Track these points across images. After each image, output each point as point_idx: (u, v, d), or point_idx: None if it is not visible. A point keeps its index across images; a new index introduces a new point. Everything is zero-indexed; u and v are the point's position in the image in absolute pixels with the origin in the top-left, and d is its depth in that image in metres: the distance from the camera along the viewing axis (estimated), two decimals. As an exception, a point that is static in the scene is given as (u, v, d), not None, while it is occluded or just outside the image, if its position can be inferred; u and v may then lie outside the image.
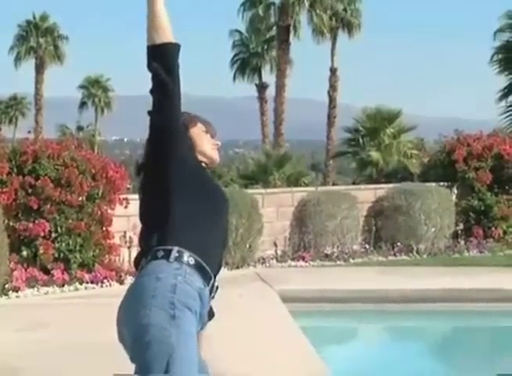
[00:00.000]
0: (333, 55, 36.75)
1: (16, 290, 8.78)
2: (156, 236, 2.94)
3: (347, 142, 24.91)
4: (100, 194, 9.85)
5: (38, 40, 48.95)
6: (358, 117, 24.11)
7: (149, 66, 2.99)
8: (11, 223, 9.23)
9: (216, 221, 3.09)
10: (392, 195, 12.53)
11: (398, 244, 12.06)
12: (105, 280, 9.43)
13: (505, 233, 12.97)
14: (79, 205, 9.65)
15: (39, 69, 48.19)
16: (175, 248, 2.89)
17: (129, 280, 8.69)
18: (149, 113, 3.03)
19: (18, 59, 49.25)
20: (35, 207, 9.38)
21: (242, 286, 9.13)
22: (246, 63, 42.42)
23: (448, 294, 8.81)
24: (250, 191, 12.70)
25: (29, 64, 48.97)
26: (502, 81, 20.94)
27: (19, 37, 49.70)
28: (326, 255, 11.57)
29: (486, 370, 6.98)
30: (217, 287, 3.05)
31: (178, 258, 2.88)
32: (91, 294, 9.02)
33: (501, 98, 20.78)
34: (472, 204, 12.98)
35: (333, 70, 36.43)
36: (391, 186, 13.39)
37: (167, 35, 2.97)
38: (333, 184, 27.07)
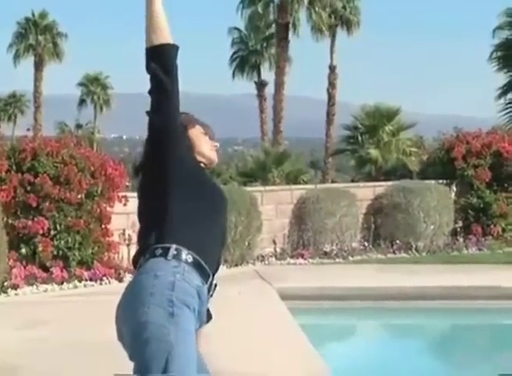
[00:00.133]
0: (332, 52, 36.76)
1: (15, 287, 8.78)
2: (154, 234, 2.95)
3: (346, 139, 24.93)
4: (99, 192, 9.85)
5: (37, 37, 48.91)
6: (357, 114, 24.13)
7: (148, 68, 3.01)
8: (10, 221, 9.23)
9: (214, 220, 3.09)
10: (391, 193, 12.54)
11: (397, 241, 12.07)
12: (104, 278, 9.43)
13: (504, 230, 12.98)
14: (78, 203, 9.65)
15: (38, 66, 48.16)
16: (173, 246, 2.90)
17: (128, 278, 8.70)
18: (148, 113, 3.04)
19: (17, 57, 49.23)
20: (34, 204, 9.38)
21: (241, 283, 9.14)
22: (245, 61, 42.39)
23: (447, 291, 8.83)
24: (249, 189, 12.71)
25: (28, 62, 49.02)
26: (501, 79, 20.93)
27: (18, 35, 49.66)
28: (325, 253, 11.57)
29: (485, 367, 7.00)
30: (215, 286, 3.05)
31: (177, 256, 2.88)
32: (90, 291, 9.02)
33: (500, 95, 20.77)
34: (471, 201, 13.00)
35: (332, 68, 36.43)
36: (389, 183, 13.40)
37: (165, 36, 2.99)
38: (332, 182, 27.08)
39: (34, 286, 8.96)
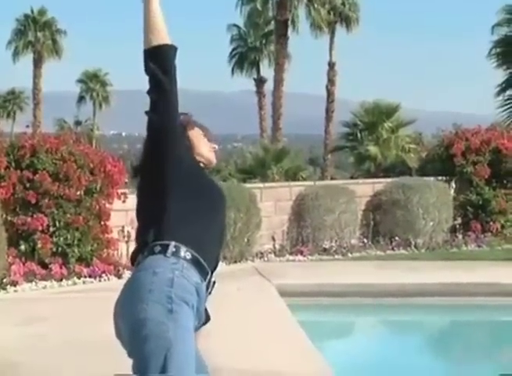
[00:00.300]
0: (331, 49, 36.76)
1: (14, 284, 8.78)
2: (152, 232, 2.95)
3: (346, 136, 24.94)
4: (98, 188, 9.84)
5: (36, 34, 48.89)
6: (356, 111, 24.14)
7: (146, 69, 3.02)
8: (9, 217, 9.23)
9: (213, 217, 3.10)
10: (390, 189, 12.53)
11: (396, 238, 12.06)
12: (103, 275, 9.43)
13: (503, 227, 12.97)
14: (77, 199, 9.64)
15: (37, 63, 48.15)
16: (172, 243, 2.90)
17: (127, 275, 8.69)
18: (147, 113, 3.05)
19: (16, 54, 49.20)
20: (33, 201, 9.38)
21: (240, 280, 9.13)
22: (244, 58, 42.39)
23: (446, 288, 8.83)
24: (248, 185, 12.70)
25: (27, 58, 48.99)
26: (500, 76, 20.90)
27: (18, 32, 49.64)
28: (325, 249, 11.57)
29: (483, 363, 7.01)
30: (214, 283, 3.05)
31: (175, 253, 2.88)
32: (89, 288, 9.02)
33: (499, 92, 20.75)
34: (470, 198, 12.99)
35: (331, 65, 36.43)
36: (389, 180, 13.39)
37: (162, 36, 3.00)
38: (331, 178, 27.09)
39: (33, 282, 8.95)
